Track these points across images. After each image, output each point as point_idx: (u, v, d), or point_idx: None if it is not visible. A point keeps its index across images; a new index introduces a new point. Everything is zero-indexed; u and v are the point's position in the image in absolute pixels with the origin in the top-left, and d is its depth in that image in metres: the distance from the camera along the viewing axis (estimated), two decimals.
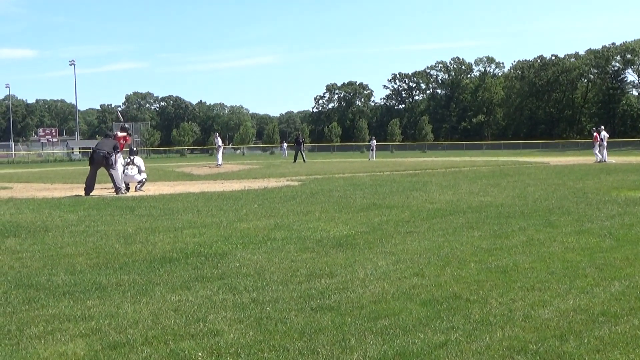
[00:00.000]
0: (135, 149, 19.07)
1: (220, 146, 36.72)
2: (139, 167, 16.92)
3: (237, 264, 6.57)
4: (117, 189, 15.97)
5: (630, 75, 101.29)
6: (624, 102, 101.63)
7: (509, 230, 8.62)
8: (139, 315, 4.74)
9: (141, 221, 10.22)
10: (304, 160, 40.27)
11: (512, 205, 11.51)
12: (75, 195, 15.68)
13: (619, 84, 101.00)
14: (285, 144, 73.95)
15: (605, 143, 34.04)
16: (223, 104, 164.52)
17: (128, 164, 16.95)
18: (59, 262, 6.85)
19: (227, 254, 7.13)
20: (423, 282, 5.65)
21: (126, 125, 19.64)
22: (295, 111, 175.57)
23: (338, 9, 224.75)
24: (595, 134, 35.33)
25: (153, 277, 6.03)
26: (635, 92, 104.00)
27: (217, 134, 39.81)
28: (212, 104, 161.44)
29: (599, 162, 32.62)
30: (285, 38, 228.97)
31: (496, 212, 10.61)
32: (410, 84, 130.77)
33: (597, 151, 34.26)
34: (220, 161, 35.28)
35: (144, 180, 17.14)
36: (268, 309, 4.85)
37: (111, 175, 16.07)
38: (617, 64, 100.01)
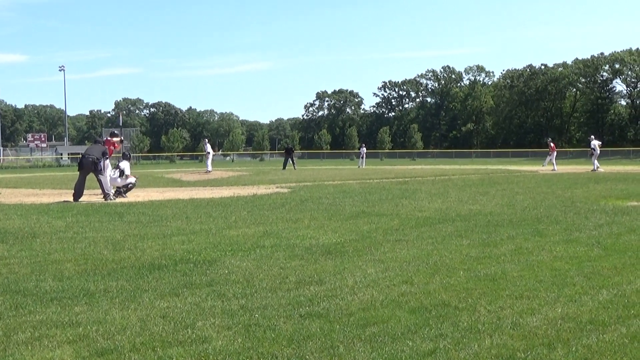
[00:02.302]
0: (128, 153, 18.86)
1: (209, 153, 36.67)
2: (122, 171, 16.79)
3: (226, 271, 6.56)
4: (105, 195, 15.89)
5: (619, 85, 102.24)
6: (612, 111, 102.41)
7: (497, 238, 8.65)
8: (127, 321, 4.72)
9: (130, 227, 10.17)
10: (294, 168, 40.36)
11: (501, 214, 11.56)
12: (64, 201, 15.59)
13: (608, 93, 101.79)
14: None
15: (597, 152, 34.37)
16: (213, 110, 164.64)
17: (115, 167, 16.88)
18: (47, 268, 6.80)
19: (215, 261, 7.11)
20: (412, 289, 5.65)
21: (116, 132, 19.56)
22: (285, 118, 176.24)
23: (329, 17, 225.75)
24: (552, 144, 36.01)
25: (141, 283, 6.00)
26: (623, 102, 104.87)
27: (207, 141, 39.73)
28: (202, 110, 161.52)
29: (543, 170, 33.41)
30: (275, 45, 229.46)
31: (485, 220, 10.66)
32: (400, 92, 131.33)
33: (547, 161, 35.11)
34: (209, 168, 35.21)
35: (129, 185, 16.98)
36: (257, 315, 4.84)
37: (100, 181, 15.99)
38: (606, 74, 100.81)
